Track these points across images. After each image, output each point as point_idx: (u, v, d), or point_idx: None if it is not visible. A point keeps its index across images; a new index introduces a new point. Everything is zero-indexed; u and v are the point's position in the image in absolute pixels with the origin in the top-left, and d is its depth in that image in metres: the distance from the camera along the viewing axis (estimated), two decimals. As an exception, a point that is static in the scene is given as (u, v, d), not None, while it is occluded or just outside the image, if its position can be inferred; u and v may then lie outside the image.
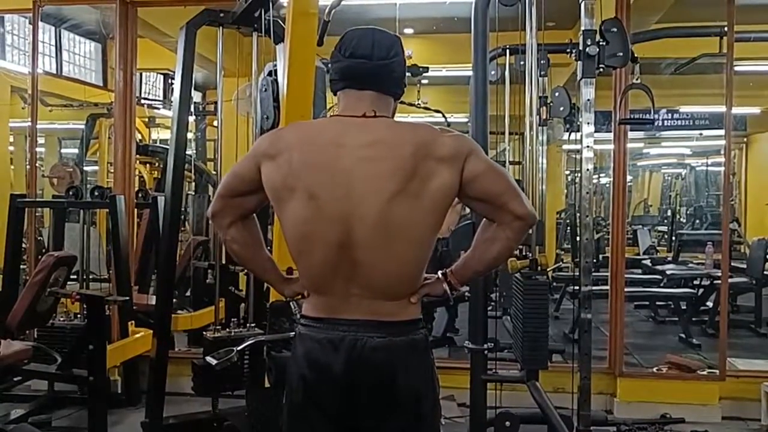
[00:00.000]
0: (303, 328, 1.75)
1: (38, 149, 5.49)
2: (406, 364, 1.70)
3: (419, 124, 1.74)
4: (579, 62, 3.16)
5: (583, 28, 3.15)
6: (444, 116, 7.52)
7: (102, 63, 7.21)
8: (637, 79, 3.66)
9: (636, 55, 3.42)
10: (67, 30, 6.67)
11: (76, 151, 8.32)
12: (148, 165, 7.72)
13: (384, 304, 1.69)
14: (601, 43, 3.12)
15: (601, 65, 3.15)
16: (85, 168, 7.48)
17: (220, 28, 3.88)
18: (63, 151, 9.00)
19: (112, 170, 5.34)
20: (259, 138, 1.88)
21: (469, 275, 1.84)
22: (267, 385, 3.07)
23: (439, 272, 1.83)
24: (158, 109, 8.39)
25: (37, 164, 5.29)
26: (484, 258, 1.77)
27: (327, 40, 3.15)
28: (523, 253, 3.82)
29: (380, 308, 1.69)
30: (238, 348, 2.57)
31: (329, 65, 1.80)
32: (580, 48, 3.13)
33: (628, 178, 4.86)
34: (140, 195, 5.32)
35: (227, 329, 3.71)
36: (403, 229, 1.64)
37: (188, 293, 5.67)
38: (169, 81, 7.94)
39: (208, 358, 2.46)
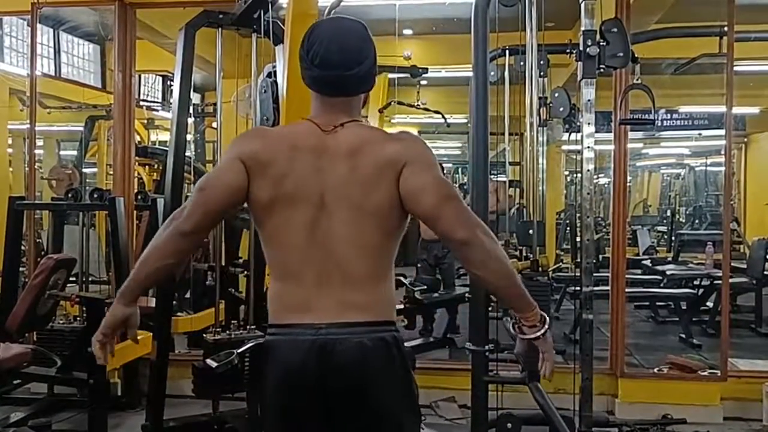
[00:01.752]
0: (271, 337, 1.73)
1: (37, 151, 5.48)
2: (379, 363, 1.68)
3: (375, 128, 1.83)
4: (579, 63, 3.15)
5: (583, 28, 3.14)
6: (443, 117, 7.52)
7: (100, 65, 7.21)
8: (637, 80, 3.66)
9: (636, 56, 3.42)
10: (65, 32, 6.66)
11: (74, 153, 8.30)
12: (147, 167, 7.71)
13: (354, 294, 1.67)
14: (601, 44, 3.11)
15: (601, 66, 3.14)
16: (84, 170, 7.47)
17: (219, 29, 3.87)
18: (61, 153, 8.99)
19: (111, 172, 5.33)
20: (241, 140, 1.80)
21: (510, 305, 1.76)
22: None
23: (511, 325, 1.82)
24: (157, 110, 8.38)
25: (35, 166, 5.28)
26: (498, 295, 1.78)
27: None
28: (524, 255, 3.82)
29: (351, 299, 1.67)
30: (239, 350, 2.56)
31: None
32: (581, 48, 3.12)
33: (628, 178, 4.85)
34: (140, 197, 5.31)
35: (227, 331, 3.70)
36: (370, 214, 1.67)
37: (188, 295, 5.66)
38: (168, 82, 7.93)
39: (209, 361, 2.44)
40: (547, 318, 1.75)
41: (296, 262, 1.69)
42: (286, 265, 1.71)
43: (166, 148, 4.96)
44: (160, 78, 8.03)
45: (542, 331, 1.73)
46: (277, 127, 1.90)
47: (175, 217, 1.72)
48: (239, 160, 1.69)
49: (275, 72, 3.45)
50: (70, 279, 4.37)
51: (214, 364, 2.40)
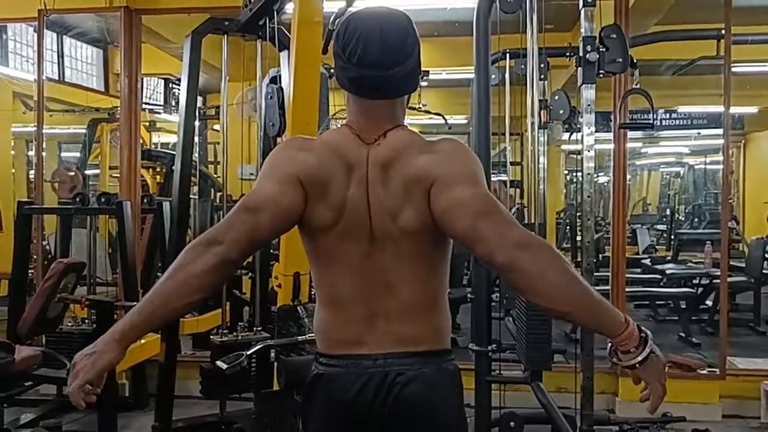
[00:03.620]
0: (322, 367, 1.57)
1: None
2: (442, 395, 1.55)
3: (415, 135, 1.57)
4: (579, 68, 3.19)
5: (583, 34, 3.18)
6: (444, 118, 7.55)
7: (103, 68, 7.26)
8: (636, 83, 3.71)
9: (635, 60, 3.46)
10: (69, 37, 6.71)
11: (75, 155, 8.35)
12: (151, 170, 7.75)
13: (406, 327, 1.53)
14: (600, 50, 3.15)
15: (601, 71, 3.18)
16: (86, 172, 7.52)
17: (225, 35, 3.91)
18: (63, 155, 9.02)
19: (114, 175, 5.35)
20: (288, 151, 1.55)
21: (592, 329, 1.59)
22: (276, 387, 3.12)
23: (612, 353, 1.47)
24: (159, 113, 8.42)
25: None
26: (569, 321, 1.60)
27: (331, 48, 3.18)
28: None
29: (403, 332, 1.53)
30: (248, 352, 2.60)
31: (332, 69, 1.67)
32: (581, 54, 3.16)
33: (627, 177, 4.89)
34: (145, 200, 5.34)
35: (234, 333, 3.74)
36: (402, 239, 1.50)
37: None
38: (170, 86, 7.97)
39: (219, 363, 2.49)
40: (649, 335, 1.39)
41: (347, 293, 1.54)
42: (336, 294, 1.56)
43: (170, 151, 5.00)
44: (162, 81, 8.07)
45: (640, 357, 1.37)
46: (321, 139, 1.60)
47: (211, 240, 1.42)
48: (297, 180, 1.48)
49: (279, 77, 3.48)
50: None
51: (224, 366, 2.46)
